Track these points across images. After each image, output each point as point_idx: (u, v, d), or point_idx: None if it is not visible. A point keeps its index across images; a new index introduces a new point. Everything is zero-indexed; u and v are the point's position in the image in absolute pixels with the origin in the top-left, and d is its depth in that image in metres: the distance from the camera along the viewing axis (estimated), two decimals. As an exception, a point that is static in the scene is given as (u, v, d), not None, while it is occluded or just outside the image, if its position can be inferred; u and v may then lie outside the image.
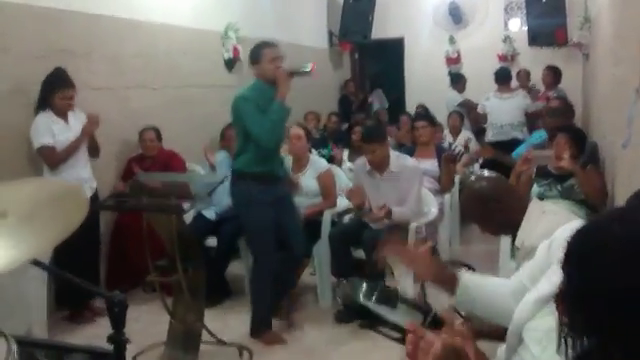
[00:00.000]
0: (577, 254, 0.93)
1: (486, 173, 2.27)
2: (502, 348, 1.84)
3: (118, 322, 1.67)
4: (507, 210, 2.14)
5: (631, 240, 0.87)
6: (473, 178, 2.24)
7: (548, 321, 1.29)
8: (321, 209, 4.13)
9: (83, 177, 3.90)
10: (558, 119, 4.42)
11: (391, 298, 1.37)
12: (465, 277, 1.70)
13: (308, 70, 3.33)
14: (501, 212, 2.13)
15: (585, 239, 0.93)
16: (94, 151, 4.05)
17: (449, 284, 1.67)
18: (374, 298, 1.37)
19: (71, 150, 3.80)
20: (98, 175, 4.12)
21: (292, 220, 3.63)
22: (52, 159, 3.75)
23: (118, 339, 1.65)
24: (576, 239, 0.94)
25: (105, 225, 4.44)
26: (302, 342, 3.58)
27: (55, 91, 3.75)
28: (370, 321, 1.47)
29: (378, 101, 8.65)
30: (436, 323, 1.35)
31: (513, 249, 3.07)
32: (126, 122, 4.68)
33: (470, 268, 2.00)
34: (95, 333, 3.49)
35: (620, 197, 3.09)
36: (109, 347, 1.69)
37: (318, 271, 4.11)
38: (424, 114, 6.04)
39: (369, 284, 1.40)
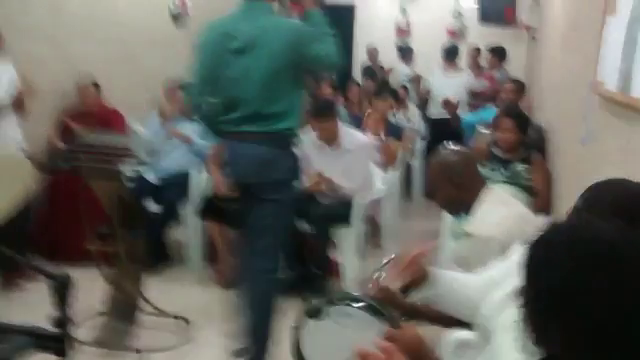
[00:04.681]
0: (534, 266, 0.93)
1: (459, 148, 2.29)
2: (449, 338, 1.85)
3: (63, 303, 1.57)
4: (465, 189, 2.16)
5: (596, 256, 0.86)
6: (446, 148, 2.25)
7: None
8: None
9: (11, 136, 3.49)
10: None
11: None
12: (436, 273, 1.69)
13: None
14: (459, 189, 2.15)
15: (543, 252, 0.92)
16: (19, 106, 3.55)
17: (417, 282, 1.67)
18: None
19: None
20: (26, 130, 3.72)
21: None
22: None
23: (63, 321, 1.55)
24: (534, 252, 0.94)
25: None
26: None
27: None
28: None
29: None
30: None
31: (453, 229, 3.14)
32: (63, 74, 4.38)
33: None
34: (30, 302, 3.31)
35: (563, 188, 3.18)
36: (51, 327, 1.60)
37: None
38: (391, 90, 5.93)
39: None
